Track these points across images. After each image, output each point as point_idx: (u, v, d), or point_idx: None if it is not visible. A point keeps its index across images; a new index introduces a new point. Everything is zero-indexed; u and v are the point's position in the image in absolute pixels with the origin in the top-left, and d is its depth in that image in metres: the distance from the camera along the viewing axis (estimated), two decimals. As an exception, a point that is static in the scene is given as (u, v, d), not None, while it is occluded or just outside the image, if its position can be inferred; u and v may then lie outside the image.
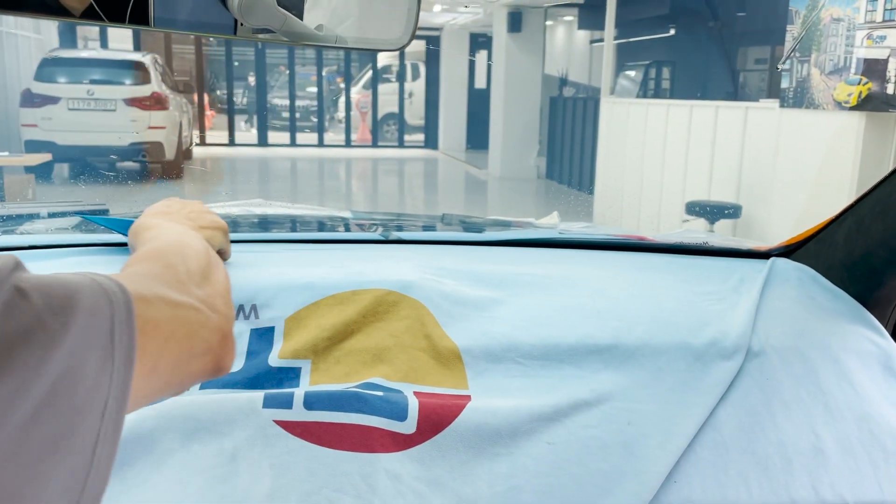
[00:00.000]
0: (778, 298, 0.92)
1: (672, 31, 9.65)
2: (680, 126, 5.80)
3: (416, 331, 0.82)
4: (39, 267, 0.87)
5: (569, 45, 12.57)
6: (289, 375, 0.77)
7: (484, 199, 9.17)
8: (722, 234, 4.68)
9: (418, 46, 13.53)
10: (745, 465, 0.76)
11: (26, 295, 0.33)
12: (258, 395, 0.71)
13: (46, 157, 7.16)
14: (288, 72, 13.47)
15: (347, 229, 1.61)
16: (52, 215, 1.57)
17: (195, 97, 11.53)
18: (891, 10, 3.87)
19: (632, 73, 9.23)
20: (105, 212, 1.52)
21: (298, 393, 0.72)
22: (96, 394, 0.35)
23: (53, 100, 8.34)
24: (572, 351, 0.81)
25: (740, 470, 0.76)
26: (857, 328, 0.89)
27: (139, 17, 0.54)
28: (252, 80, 13.45)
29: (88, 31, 12.35)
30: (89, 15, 0.54)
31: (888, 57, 3.87)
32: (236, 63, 13.52)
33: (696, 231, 2.80)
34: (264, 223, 1.55)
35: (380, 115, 13.82)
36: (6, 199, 5.68)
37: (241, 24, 0.56)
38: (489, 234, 1.34)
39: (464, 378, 0.79)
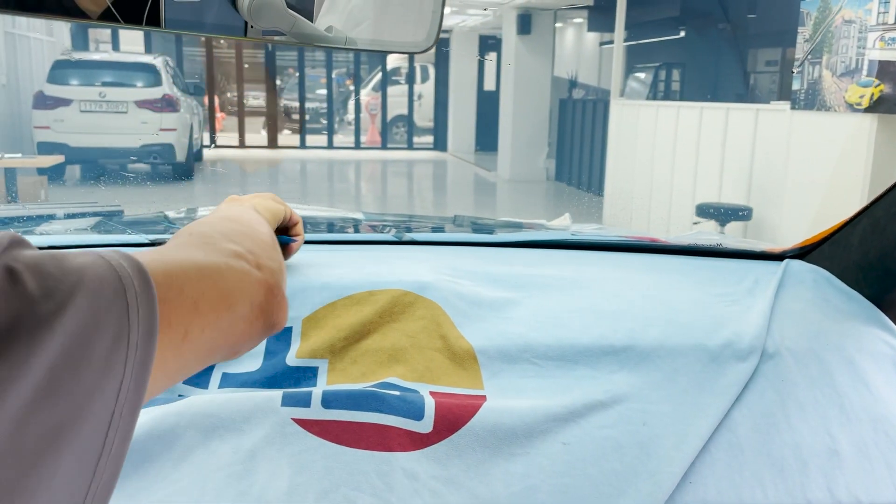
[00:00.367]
0: (792, 300, 0.92)
1: (682, 33, 9.63)
2: (690, 128, 5.79)
3: (432, 331, 0.82)
4: None
5: (578, 48, 12.56)
6: (306, 375, 0.77)
7: (493, 201, 9.17)
8: (733, 236, 4.67)
9: (428, 48, 13.49)
10: (761, 466, 0.76)
11: (17, 277, 0.31)
12: (277, 394, 0.71)
13: (59, 158, 7.21)
14: (297, 74, 13.51)
15: (357, 230, 1.62)
16: (68, 216, 1.58)
17: (206, 99, 11.60)
18: (903, 11, 3.86)
19: (642, 76, 9.22)
20: (120, 213, 1.53)
21: (316, 392, 0.72)
22: (108, 376, 0.33)
23: (66, 102, 8.40)
24: (587, 352, 0.82)
25: (755, 471, 0.76)
26: (872, 330, 0.89)
27: (151, 19, 0.54)
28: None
29: (100, 33, 12.43)
30: (105, 17, 0.55)
31: (901, 59, 3.85)
32: (246, 65, 13.57)
33: (709, 233, 2.80)
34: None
35: (389, 117, 13.85)
36: (20, 201, 5.72)
37: (251, 27, 0.57)
38: (502, 236, 1.34)
39: (479, 378, 0.80)
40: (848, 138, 4.19)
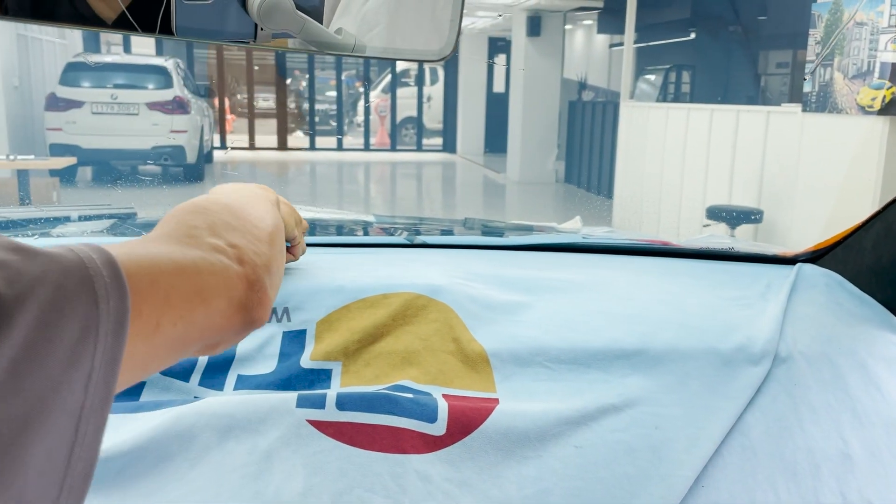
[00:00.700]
0: (805, 304, 0.92)
1: (692, 35, 9.60)
2: (700, 130, 5.77)
3: (445, 334, 0.83)
4: None
5: (588, 49, 12.54)
6: (320, 377, 0.78)
7: (502, 203, 9.17)
8: (743, 239, 4.65)
9: (437, 51, 13.50)
10: (773, 470, 0.76)
11: None
12: (292, 396, 0.72)
13: (71, 160, 7.26)
14: (308, 76, 13.55)
15: (366, 233, 1.62)
16: (82, 218, 1.60)
17: (216, 101, 11.65)
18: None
19: (651, 77, 9.20)
20: (133, 215, 1.55)
21: (331, 394, 0.73)
22: (75, 368, 0.33)
23: (78, 104, 8.46)
24: (600, 355, 0.82)
25: (768, 475, 0.76)
26: (885, 334, 0.89)
27: (164, 27, 0.55)
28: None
29: (112, 36, 12.50)
30: (119, 24, 0.56)
31: (913, 61, 3.83)
32: (256, 68, 13.62)
33: (721, 236, 2.79)
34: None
35: (398, 118, 13.87)
36: (32, 202, 5.76)
37: (261, 30, 0.57)
38: (513, 239, 1.35)
39: (491, 381, 0.80)
40: (860, 141, 4.17)
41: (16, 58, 9.08)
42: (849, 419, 0.80)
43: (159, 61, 9.36)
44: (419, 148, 13.93)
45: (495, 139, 12.09)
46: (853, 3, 4.21)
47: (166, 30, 0.55)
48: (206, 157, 9.81)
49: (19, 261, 0.33)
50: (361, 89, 14.45)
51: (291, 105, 13.59)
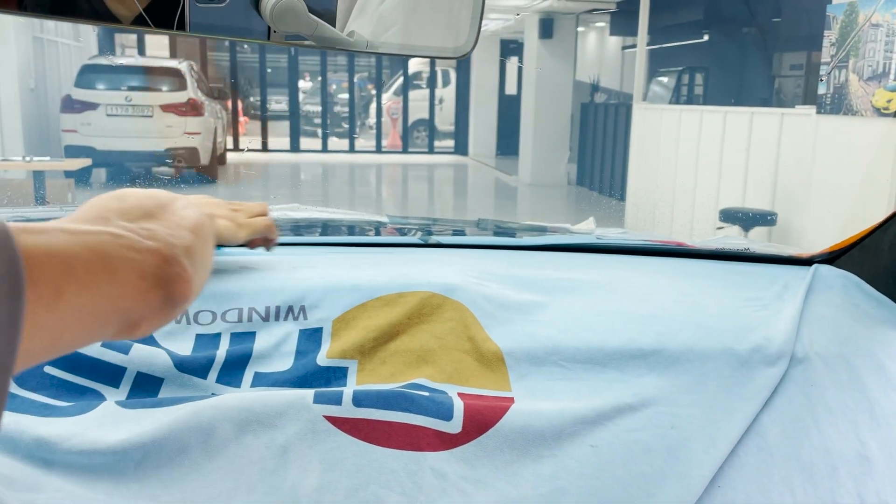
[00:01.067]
0: (822, 305, 0.92)
1: (706, 37, 9.56)
2: (714, 132, 5.75)
3: (460, 333, 0.83)
4: None
5: (600, 52, 12.52)
6: (336, 375, 0.78)
7: (514, 204, 9.17)
8: (757, 241, 4.62)
9: (449, 53, 13.52)
10: (790, 471, 0.76)
11: None
12: (309, 392, 0.73)
13: (87, 161, 7.32)
14: (320, 78, 13.60)
15: (378, 233, 1.63)
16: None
17: (229, 103, 11.71)
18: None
19: (664, 80, 9.17)
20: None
21: (347, 391, 0.73)
22: None
23: (92, 106, 8.54)
24: (615, 355, 0.82)
25: (785, 475, 0.76)
26: None
27: (178, 24, 0.56)
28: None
29: (126, 38, 12.60)
30: (137, 21, 0.57)
31: (929, 62, 3.80)
32: (269, 70, 13.69)
33: (736, 238, 2.78)
34: (306, 227, 1.58)
35: (410, 121, 13.90)
36: (47, 203, 5.81)
37: (274, 32, 0.57)
38: (528, 239, 1.35)
39: (507, 380, 0.80)
40: (875, 143, 4.14)
41: (32, 60, 9.17)
42: (866, 420, 0.80)
43: (173, 63, 9.43)
44: (431, 150, 13.95)
45: (507, 141, 12.08)
46: (868, 4, 4.19)
47: (180, 27, 0.56)
48: (219, 158, 9.86)
49: None
50: (373, 91, 14.49)
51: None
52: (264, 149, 12.72)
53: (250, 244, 0.87)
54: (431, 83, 14.27)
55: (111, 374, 0.73)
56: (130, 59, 10.71)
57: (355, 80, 14.18)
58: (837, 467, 0.77)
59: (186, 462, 0.67)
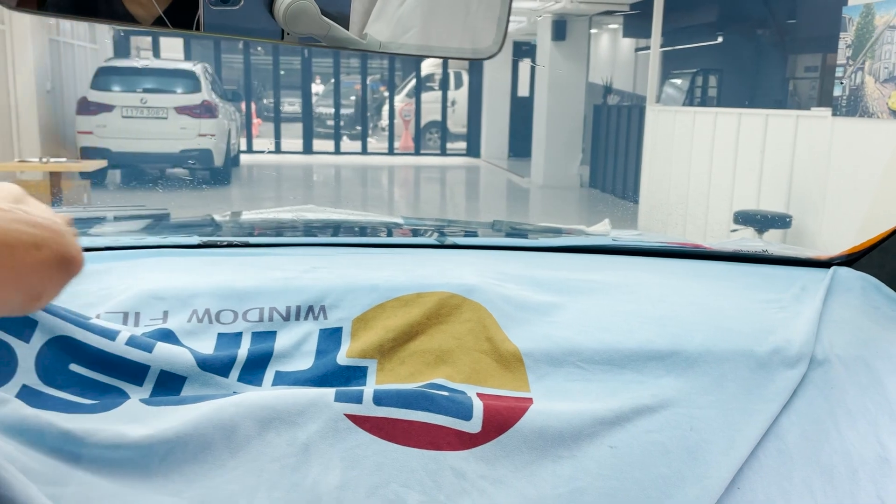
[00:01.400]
0: (841, 307, 0.91)
1: (720, 39, 9.52)
2: (728, 135, 5.72)
3: (479, 333, 0.83)
4: (120, 267, 0.91)
5: (613, 53, 12.49)
6: (356, 374, 0.79)
7: (526, 207, 9.16)
8: (774, 243, 4.59)
9: (462, 55, 13.53)
10: (810, 474, 0.76)
11: None
12: (330, 391, 0.73)
13: (103, 163, 7.38)
14: (333, 80, 13.65)
15: (390, 234, 1.63)
16: (118, 219, 1.62)
17: (243, 105, 11.78)
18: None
19: (678, 81, 9.14)
20: (167, 216, 1.57)
21: (368, 390, 0.74)
22: None
23: (108, 108, 8.61)
24: (633, 356, 0.82)
25: (804, 478, 0.76)
26: None
27: (193, 24, 0.56)
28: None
29: (141, 41, 12.69)
30: (153, 22, 0.57)
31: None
32: (282, 72, 13.75)
33: (753, 240, 2.76)
34: (322, 228, 1.59)
35: (422, 123, 13.91)
36: (64, 204, 5.86)
37: (288, 34, 0.58)
38: (544, 241, 1.35)
39: (525, 381, 0.80)
40: (892, 145, 4.11)
41: (48, 62, 9.25)
42: (886, 422, 0.80)
43: (188, 66, 9.49)
44: (443, 152, 13.96)
45: (519, 143, 12.07)
46: (884, 7, 4.16)
47: (195, 27, 0.57)
48: (233, 160, 9.91)
49: None
50: (386, 94, 14.52)
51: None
52: (277, 150, 12.77)
53: None
54: (444, 85, 14.28)
55: (135, 372, 0.74)
56: (146, 61, 10.78)
57: (368, 81, 14.22)
58: (858, 470, 0.77)
59: (210, 458, 0.68)
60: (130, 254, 0.99)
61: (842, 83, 4.50)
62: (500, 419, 0.74)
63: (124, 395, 0.73)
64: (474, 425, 0.73)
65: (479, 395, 0.77)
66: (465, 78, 14.21)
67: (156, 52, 11.96)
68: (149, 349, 0.74)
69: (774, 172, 5.22)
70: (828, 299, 0.92)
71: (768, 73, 9.27)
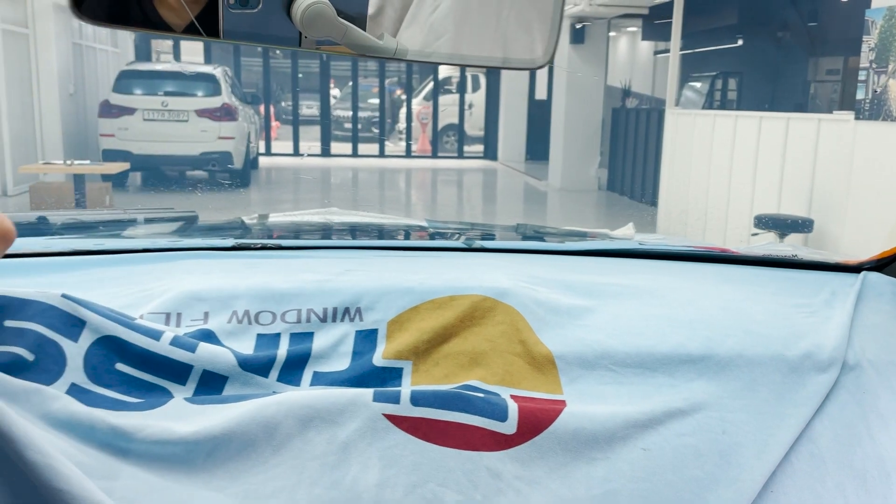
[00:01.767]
0: (872, 312, 0.92)
1: (740, 42, 9.47)
2: (748, 138, 5.69)
3: (511, 336, 0.84)
4: (158, 269, 0.94)
5: (632, 56, 12.46)
6: (392, 375, 0.80)
7: (544, 210, 9.15)
8: (803, 248, 4.56)
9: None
10: (843, 478, 0.76)
11: None
12: (368, 391, 0.75)
13: (125, 165, 7.47)
14: (350, 83, 13.71)
15: (407, 237, 1.65)
16: (148, 221, 1.65)
17: (262, 108, 11.87)
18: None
19: (697, 85, 9.10)
20: (195, 218, 1.59)
21: (405, 390, 0.75)
22: None
23: (130, 111, 8.71)
24: (665, 360, 0.83)
25: (838, 482, 0.76)
26: None
27: (211, 32, 0.57)
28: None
29: (161, 44, 12.83)
30: (186, 29, 0.59)
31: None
32: (301, 75, 13.83)
33: (780, 244, 2.75)
34: (344, 231, 1.60)
35: (440, 125, 13.94)
36: (87, 206, 5.93)
37: (305, 37, 0.59)
38: (571, 244, 1.36)
39: (558, 383, 0.81)
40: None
41: (71, 65, 9.38)
42: None
43: (208, 69, 9.58)
44: (460, 155, 13.98)
45: (537, 146, 12.06)
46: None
47: (213, 33, 0.58)
48: (252, 162, 9.99)
49: None
50: (403, 97, 14.56)
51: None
52: (295, 153, 12.85)
53: None
54: (461, 88, 14.30)
55: (179, 372, 0.75)
56: (167, 64, 10.90)
57: (386, 84, 14.27)
58: (891, 474, 0.77)
59: (253, 455, 0.69)
60: (166, 256, 1.01)
61: (856, 82, 4.47)
62: (535, 421, 0.75)
63: (168, 394, 0.74)
64: (509, 426, 0.74)
65: (512, 396, 0.78)
66: (483, 81, 14.22)
67: (176, 56, 12.09)
68: (192, 349, 0.76)
69: (795, 176, 5.18)
70: (859, 304, 0.93)
71: (789, 76, 9.21)
